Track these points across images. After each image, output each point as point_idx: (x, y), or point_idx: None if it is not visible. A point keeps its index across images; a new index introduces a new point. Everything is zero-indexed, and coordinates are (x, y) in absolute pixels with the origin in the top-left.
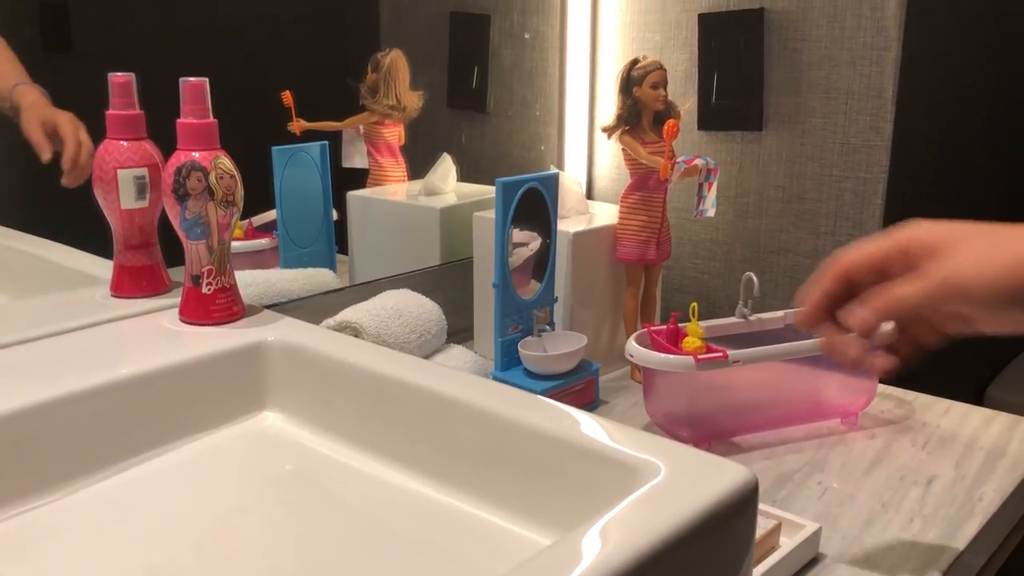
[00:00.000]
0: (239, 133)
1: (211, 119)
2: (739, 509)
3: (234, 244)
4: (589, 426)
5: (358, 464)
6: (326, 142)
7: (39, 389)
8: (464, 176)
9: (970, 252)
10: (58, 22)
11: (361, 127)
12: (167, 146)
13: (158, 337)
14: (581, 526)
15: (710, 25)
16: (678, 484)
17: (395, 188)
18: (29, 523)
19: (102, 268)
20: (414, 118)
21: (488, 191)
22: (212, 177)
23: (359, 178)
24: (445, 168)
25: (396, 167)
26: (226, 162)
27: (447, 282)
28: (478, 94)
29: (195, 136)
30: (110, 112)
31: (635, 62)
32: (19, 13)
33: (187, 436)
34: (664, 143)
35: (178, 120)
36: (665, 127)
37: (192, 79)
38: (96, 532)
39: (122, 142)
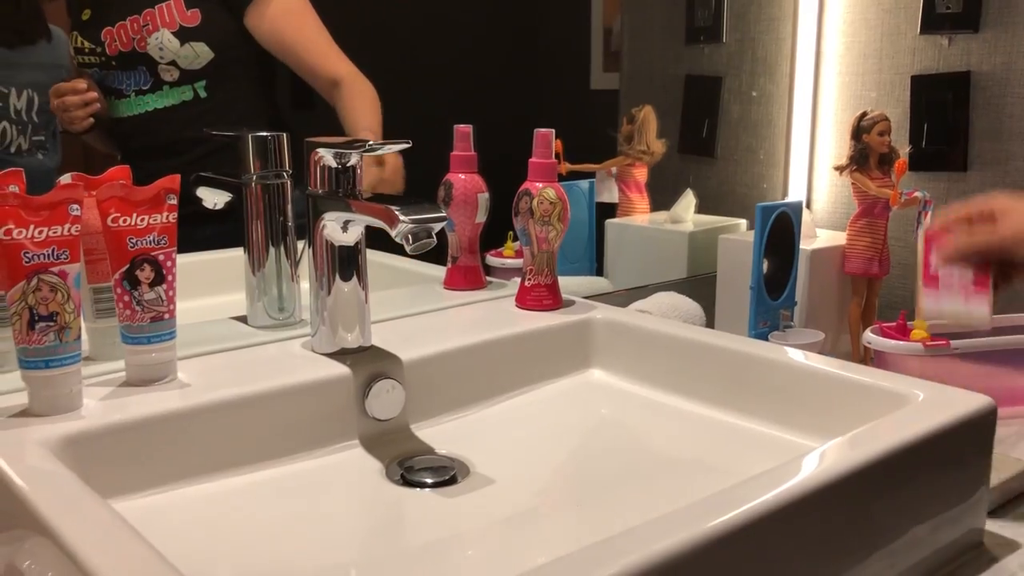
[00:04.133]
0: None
1: (551, 160)
2: (985, 422)
3: (506, 260)
4: (858, 370)
5: (666, 401)
6: (594, 180)
7: (454, 339)
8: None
9: None
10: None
11: (614, 168)
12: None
13: (509, 315)
14: (866, 427)
15: (921, 84)
16: (936, 403)
17: (641, 218)
18: (454, 426)
19: (428, 269)
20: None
21: (717, 220)
22: (534, 201)
23: (608, 210)
24: (688, 201)
25: (642, 201)
26: (551, 192)
27: (692, 292)
28: (707, 142)
29: (536, 171)
30: (455, 153)
31: (864, 114)
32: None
33: (538, 383)
34: (894, 179)
35: (530, 159)
36: (897, 165)
37: (543, 129)
38: (490, 440)
39: (461, 175)
